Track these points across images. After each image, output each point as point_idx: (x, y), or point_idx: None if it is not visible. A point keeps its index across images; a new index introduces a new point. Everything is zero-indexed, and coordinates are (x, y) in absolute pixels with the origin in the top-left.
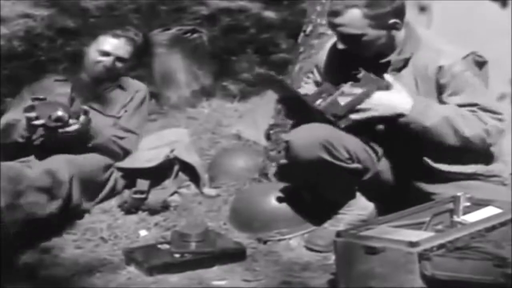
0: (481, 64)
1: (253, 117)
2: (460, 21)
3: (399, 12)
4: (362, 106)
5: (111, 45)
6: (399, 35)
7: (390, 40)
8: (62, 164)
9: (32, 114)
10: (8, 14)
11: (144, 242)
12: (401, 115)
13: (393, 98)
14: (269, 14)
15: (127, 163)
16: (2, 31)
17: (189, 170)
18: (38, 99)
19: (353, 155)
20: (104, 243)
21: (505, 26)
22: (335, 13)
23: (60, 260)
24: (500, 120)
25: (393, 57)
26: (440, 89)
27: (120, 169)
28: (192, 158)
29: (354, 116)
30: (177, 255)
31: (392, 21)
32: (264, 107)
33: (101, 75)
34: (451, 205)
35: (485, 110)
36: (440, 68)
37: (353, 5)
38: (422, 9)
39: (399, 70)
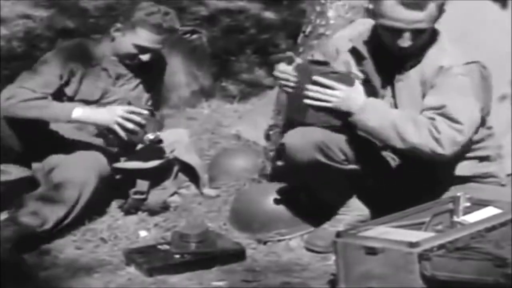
0: (483, 74)
1: (253, 117)
2: (460, 22)
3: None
4: (320, 95)
5: (150, 41)
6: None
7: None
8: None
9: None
10: (8, 14)
11: (144, 242)
12: (349, 112)
13: (350, 94)
14: (269, 14)
15: (126, 163)
16: (2, 31)
17: (189, 171)
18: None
19: (350, 156)
20: (104, 244)
21: (506, 27)
22: (415, 6)
23: (60, 261)
24: (458, 131)
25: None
26: (431, 88)
27: (119, 169)
28: (192, 159)
29: (307, 101)
30: (177, 256)
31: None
32: (264, 108)
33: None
34: (450, 206)
35: (447, 116)
36: (441, 68)
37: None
38: None
39: (410, 67)
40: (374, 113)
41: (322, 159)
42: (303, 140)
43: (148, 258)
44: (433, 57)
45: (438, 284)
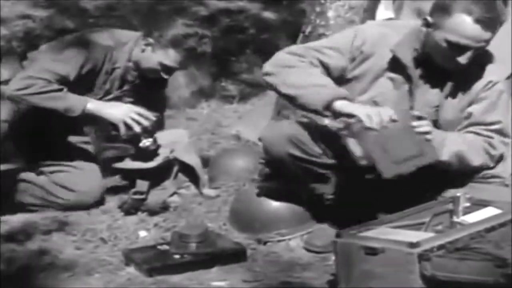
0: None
1: (253, 117)
2: None
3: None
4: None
5: (177, 62)
6: None
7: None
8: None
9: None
10: (8, 14)
11: (144, 243)
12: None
13: None
14: (269, 14)
15: (126, 163)
16: (1, 32)
17: (189, 171)
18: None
19: (327, 151)
20: (103, 244)
21: (506, 27)
22: (489, 26)
23: (59, 261)
24: (506, 144)
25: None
26: (479, 101)
27: (119, 170)
28: (191, 159)
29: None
30: (176, 256)
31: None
32: (264, 108)
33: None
34: (450, 206)
35: (502, 133)
36: (489, 82)
37: (501, 18)
38: (420, 15)
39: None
40: (444, 147)
41: (296, 152)
42: (276, 134)
43: (148, 258)
44: (481, 70)
45: (438, 284)
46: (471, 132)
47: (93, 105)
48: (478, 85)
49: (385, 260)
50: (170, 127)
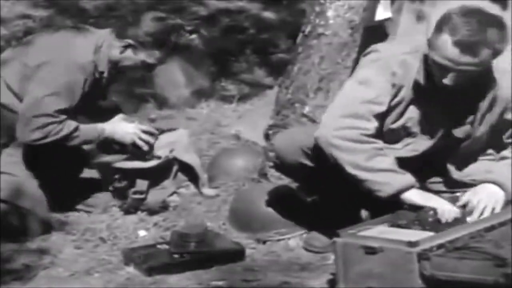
0: None
1: (252, 117)
2: None
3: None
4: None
5: (156, 59)
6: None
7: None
8: None
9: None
10: (7, 15)
11: (143, 242)
12: None
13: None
14: (268, 14)
15: (126, 163)
16: (1, 32)
17: (188, 171)
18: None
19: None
20: (103, 243)
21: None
22: (468, 51)
23: (59, 260)
24: None
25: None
26: (505, 108)
27: (119, 169)
28: (191, 158)
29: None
30: (176, 255)
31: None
32: (263, 108)
33: None
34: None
35: None
36: None
37: (487, 44)
38: (420, 18)
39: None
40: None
41: (308, 162)
42: (289, 144)
43: (147, 258)
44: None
45: (437, 284)
46: None
47: (107, 129)
48: (505, 93)
49: (385, 259)
50: (170, 127)
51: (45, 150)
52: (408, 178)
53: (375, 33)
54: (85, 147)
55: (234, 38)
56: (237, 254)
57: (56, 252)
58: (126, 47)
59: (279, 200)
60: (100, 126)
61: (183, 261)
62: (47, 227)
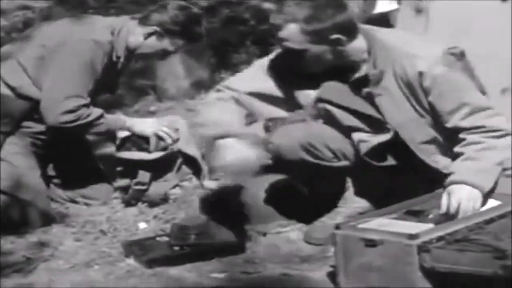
0: (459, 56)
1: None
2: (459, 16)
3: (343, 28)
4: None
5: (176, 47)
6: (359, 48)
7: (339, 56)
8: None
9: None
10: (7, 5)
11: (143, 234)
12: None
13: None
14: (268, 5)
15: (130, 154)
16: (1, 23)
17: (191, 163)
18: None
19: (338, 153)
20: (103, 236)
21: (506, 18)
22: (275, 27)
23: (59, 253)
24: (496, 113)
25: (370, 71)
26: (425, 92)
27: (122, 160)
28: (193, 150)
29: None
30: (176, 248)
31: (334, 36)
32: None
33: None
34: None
35: (482, 109)
36: (421, 73)
37: (291, 20)
38: (419, 11)
39: (377, 83)
40: (489, 177)
41: (309, 158)
42: (289, 141)
43: (147, 250)
44: (400, 66)
45: (437, 276)
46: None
47: (127, 123)
48: (410, 78)
49: (385, 251)
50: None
51: (52, 141)
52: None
53: (377, 24)
54: (90, 137)
55: (234, 29)
56: (237, 246)
57: (56, 244)
58: (151, 34)
59: (279, 192)
60: (122, 118)
61: (183, 253)
62: (47, 219)
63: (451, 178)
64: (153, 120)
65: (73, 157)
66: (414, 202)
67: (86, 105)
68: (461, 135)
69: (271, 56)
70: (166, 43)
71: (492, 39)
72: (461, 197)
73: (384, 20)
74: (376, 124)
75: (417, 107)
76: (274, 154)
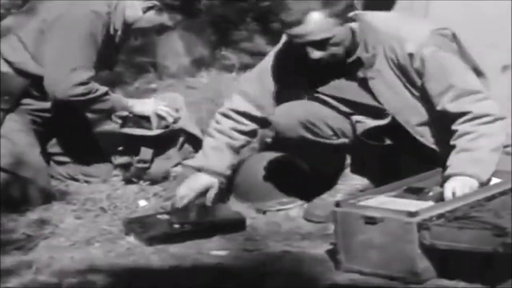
0: (450, 37)
1: None
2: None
3: (352, 5)
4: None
5: (173, 23)
6: (356, 30)
7: (353, 36)
8: None
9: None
10: None
11: (144, 212)
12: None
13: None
14: None
15: (132, 130)
16: (0, 0)
17: (192, 141)
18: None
19: (338, 131)
20: (103, 213)
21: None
22: (294, 24)
23: (60, 230)
24: (485, 98)
25: (363, 55)
26: (418, 74)
27: (124, 135)
28: (194, 129)
29: None
30: (176, 225)
31: (351, 14)
32: None
33: None
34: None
35: (473, 92)
36: (411, 55)
37: (310, 10)
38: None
39: (370, 66)
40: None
41: (309, 136)
42: (288, 118)
43: (147, 228)
44: (390, 48)
45: (437, 253)
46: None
47: (131, 101)
48: (400, 60)
49: (384, 229)
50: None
51: (52, 118)
52: None
53: (378, 2)
54: (89, 115)
55: (235, 6)
56: (237, 224)
57: (56, 222)
58: (150, 7)
59: (279, 170)
60: (123, 98)
61: (184, 231)
62: (48, 197)
63: (448, 172)
64: (153, 100)
65: (73, 134)
66: (414, 179)
67: (93, 78)
68: (453, 127)
69: (272, 56)
70: (164, 18)
71: (493, 14)
72: (460, 189)
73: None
74: (374, 111)
75: (411, 89)
76: (275, 132)
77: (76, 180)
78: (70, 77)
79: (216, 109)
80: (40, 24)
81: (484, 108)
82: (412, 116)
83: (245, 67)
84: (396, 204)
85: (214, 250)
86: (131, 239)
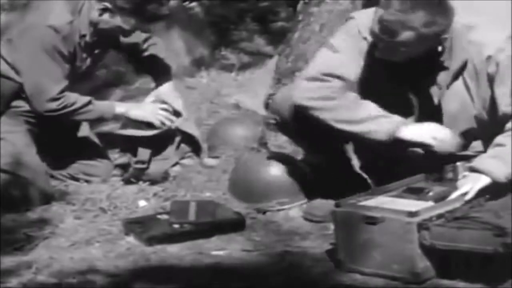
0: None
1: (252, 86)
2: None
3: (450, 27)
4: None
5: (132, 25)
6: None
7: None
8: None
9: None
10: None
11: (143, 212)
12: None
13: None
14: None
15: (128, 131)
16: None
17: (189, 140)
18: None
19: None
20: (103, 214)
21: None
22: (391, 33)
23: (59, 230)
24: None
25: (450, 63)
26: (490, 79)
27: (120, 136)
28: (191, 128)
29: None
30: (176, 226)
31: (443, 37)
32: (263, 76)
33: None
34: (450, 175)
35: None
36: (489, 58)
37: (410, 27)
38: None
39: (456, 76)
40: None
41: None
42: (287, 100)
43: (147, 228)
44: (466, 55)
45: (437, 254)
46: None
47: (121, 108)
48: (477, 67)
49: (384, 229)
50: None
51: (46, 120)
52: (395, 118)
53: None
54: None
55: (234, 6)
56: (237, 224)
57: (56, 222)
58: (104, 10)
59: (279, 170)
60: (115, 104)
61: (183, 231)
62: (48, 197)
63: (470, 164)
64: (151, 104)
65: (66, 134)
66: (414, 179)
67: (66, 89)
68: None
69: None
70: (119, 20)
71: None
72: (472, 184)
73: None
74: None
75: (475, 97)
76: (276, 115)
77: (76, 180)
78: (45, 92)
79: (215, 109)
80: (8, 36)
81: None
82: (461, 124)
83: (244, 67)
84: (396, 204)
85: (214, 250)
86: (131, 239)
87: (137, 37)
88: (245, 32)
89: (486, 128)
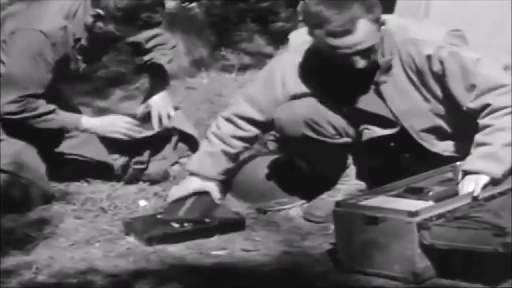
0: (462, 37)
1: None
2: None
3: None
4: None
5: (125, 32)
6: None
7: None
8: None
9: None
10: None
11: (144, 212)
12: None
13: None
14: None
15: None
16: None
17: (187, 139)
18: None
19: (341, 130)
20: (103, 213)
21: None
22: (343, 33)
23: (60, 230)
24: (508, 91)
25: (381, 60)
26: (437, 77)
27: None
28: (189, 127)
29: None
30: (176, 225)
31: (382, 18)
32: None
33: None
34: (450, 175)
35: (490, 89)
36: (428, 57)
37: (357, 17)
38: None
39: (387, 71)
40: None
41: (311, 134)
42: (291, 116)
43: (147, 228)
44: (406, 52)
45: (437, 253)
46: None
47: (86, 121)
48: (418, 64)
49: (385, 229)
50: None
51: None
52: None
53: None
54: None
55: (235, 7)
56: (237, 224)
57: (56, 222)
58: (97, 17)
59: (279, 170)
60: (81, 117)
61: (184, 231)
62: (48, 197)
63: (462, 168)
64: (113, 118)
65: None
66: (414, 179)
67: (33, 96)
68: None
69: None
70: (111, 27)
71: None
72: (474, 183)
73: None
74: (383, 121)
75: (425, 93)
76: (277, 130)
77: (76, 180)
78: (5, 95)
79: (215, 110)
80: (3, 36)
81: (505, 100)
82: (418, 121)
83: (244, 68)
84: (396, 204)
85: (214, 250)
86: (131, 239)
87: (141, 35)
88: (245, 32)
89: (456, 125)
